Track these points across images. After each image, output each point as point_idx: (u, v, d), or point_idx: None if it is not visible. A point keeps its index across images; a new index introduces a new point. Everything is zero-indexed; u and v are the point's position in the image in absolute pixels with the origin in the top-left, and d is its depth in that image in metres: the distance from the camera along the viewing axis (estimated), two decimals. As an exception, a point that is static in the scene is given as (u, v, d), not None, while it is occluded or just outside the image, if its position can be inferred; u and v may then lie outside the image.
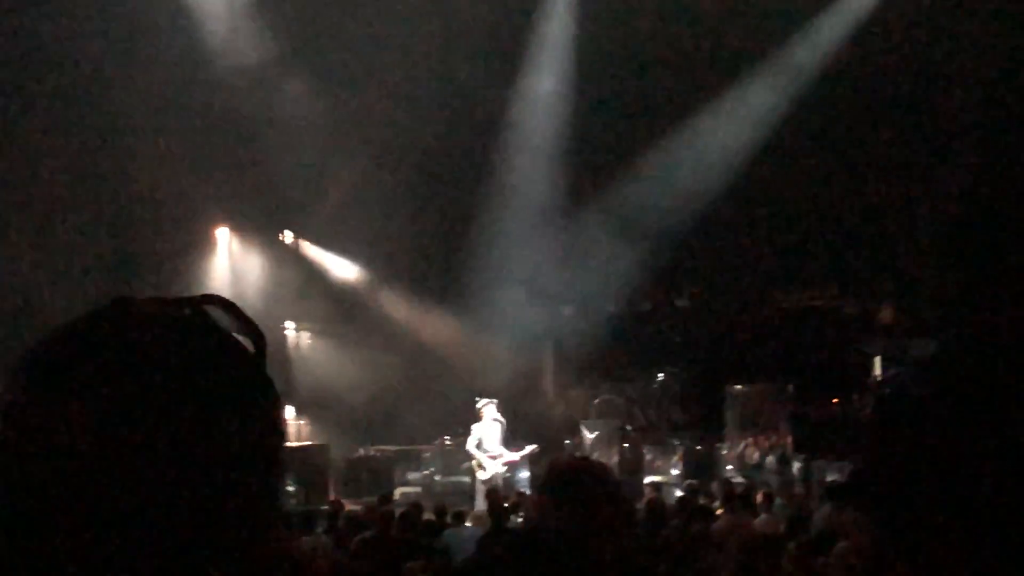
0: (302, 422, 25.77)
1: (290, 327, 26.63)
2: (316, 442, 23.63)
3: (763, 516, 12.86)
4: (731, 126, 25.50)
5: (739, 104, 25.50)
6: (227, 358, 1.26)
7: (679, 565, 9.65)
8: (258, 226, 25.48)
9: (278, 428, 1.30)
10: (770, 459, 22.48)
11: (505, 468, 18.76)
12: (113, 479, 1.16)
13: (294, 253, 26.92)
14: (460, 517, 13.50)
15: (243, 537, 1.22)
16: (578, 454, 23.43)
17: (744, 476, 20.59)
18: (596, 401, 26.29)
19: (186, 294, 1.32)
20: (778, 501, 13.80)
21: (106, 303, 1.27)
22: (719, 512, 13.11)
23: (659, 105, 25.48)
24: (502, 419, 18.89)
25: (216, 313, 1.31)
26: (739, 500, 13.30)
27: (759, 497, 13.78)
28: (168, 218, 23.46)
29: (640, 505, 13.63)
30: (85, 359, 1.20)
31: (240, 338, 1.30)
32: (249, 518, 1.23)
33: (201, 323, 1.28)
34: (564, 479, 2.67)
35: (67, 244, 21.64)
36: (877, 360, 26.04)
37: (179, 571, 1.18)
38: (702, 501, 14.70)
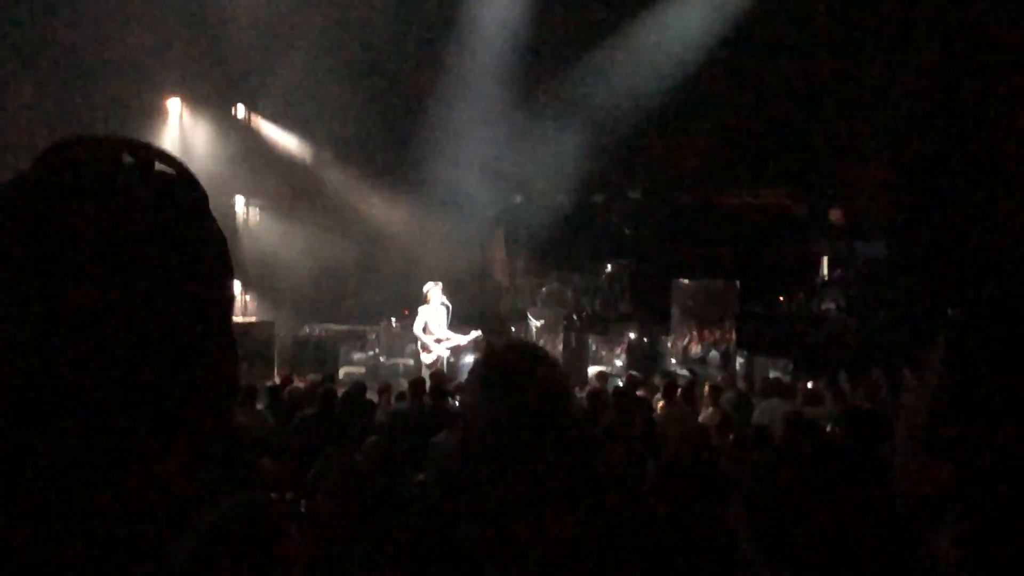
0: (249, 298, 25.61)
1: (239, 202, 26.28)
2: (262, 319, 23.54)
3: (710, 410, 12.87)
4: (688, 19, 25.16)
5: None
6: (176, 209, 1.20)
7: (615, 455, 9.60)
8: (210, 98, 24.97)
9: (228, 285, 1.25)
10: (713, 353, 22.61)
11: (449, 352, 18.71)
12: (59, 333, 1.11)
13: (246, 127, 26.48)
14: (418, 389, 13.28)
15: (204, 396, 1.19)
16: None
17: (687, 369, 20.67)
18: (544, 290, 26.29)
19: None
20: (728, 394, 13.80)
21: (46, 148, 1.23)
22: (660, 405, 13.11)
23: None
24: (448, 303, 18.77)
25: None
26: (681, 393, 13.30)
27: (706, 390, 13.78)
28: (118, 86, 22.91)
29: (583, 394, 13.61)
30: (27, 209, 1.15)
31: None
32: (208, 377, 1.19)
33: (150, 171, 1.23)
34: (500, 363, 2.52)
35: (12, 111, 21.11)
36: (824, 260, 26.17)
37: (138, 433, 1.14)
38: (642, 393, 14.71)
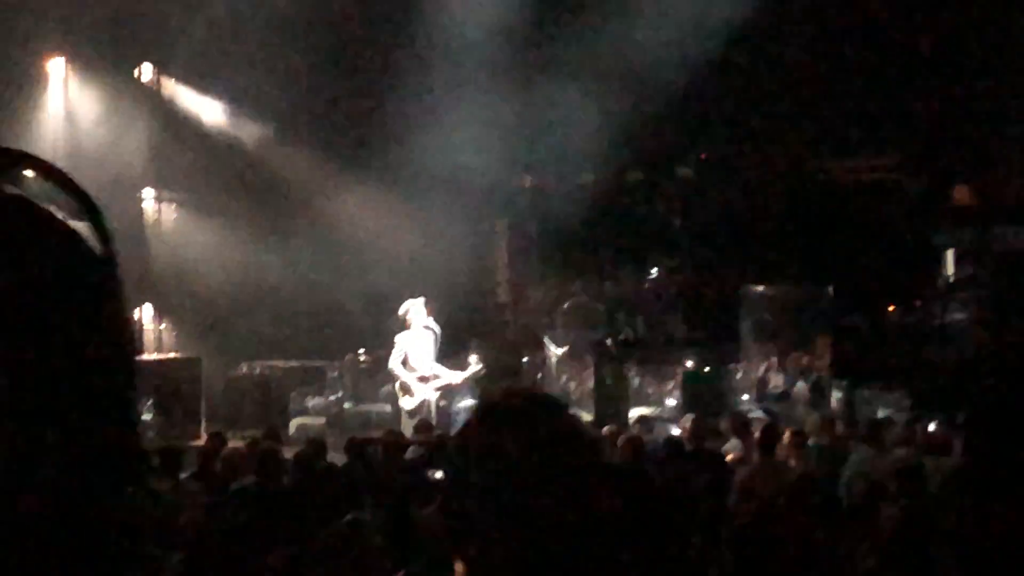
0: (164, 327, 25.57)
1: (148, 196, 26.24)
2: (183, 354, 23.50)
3: (792, 463, 12.71)
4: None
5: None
6: (50, 244, 1.21)
7: (672, 529, 9.47)
8: (106, 57, 24.96)
9: (127, 335, 1.27)
10: (800, 385, 22.48)
11: (439, 393, 18.63)
12: None
13: (155, 95, 26.44)
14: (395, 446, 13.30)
15: (91, 486, 1.21)
16: (540, 376, 23.43)
17: (763, 409, 20.57)
18: (566, 305, 26.24)
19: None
20: (813, 442, 13.66)
21: None
22: (730, 456, 12.97)
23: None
24: (436, 327, 18.70)
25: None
26: (759, 440, 13.15)
27: (786, 437, 13.63)
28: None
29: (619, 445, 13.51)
30: None
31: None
32: (96, 461, 1.21)
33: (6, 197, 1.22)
34: (500, 418, 2.46)
35: None
36: (949, 254, 25.98)
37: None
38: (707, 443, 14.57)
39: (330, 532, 8.17)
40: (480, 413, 2.54)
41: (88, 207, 1.24)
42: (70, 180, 1.24)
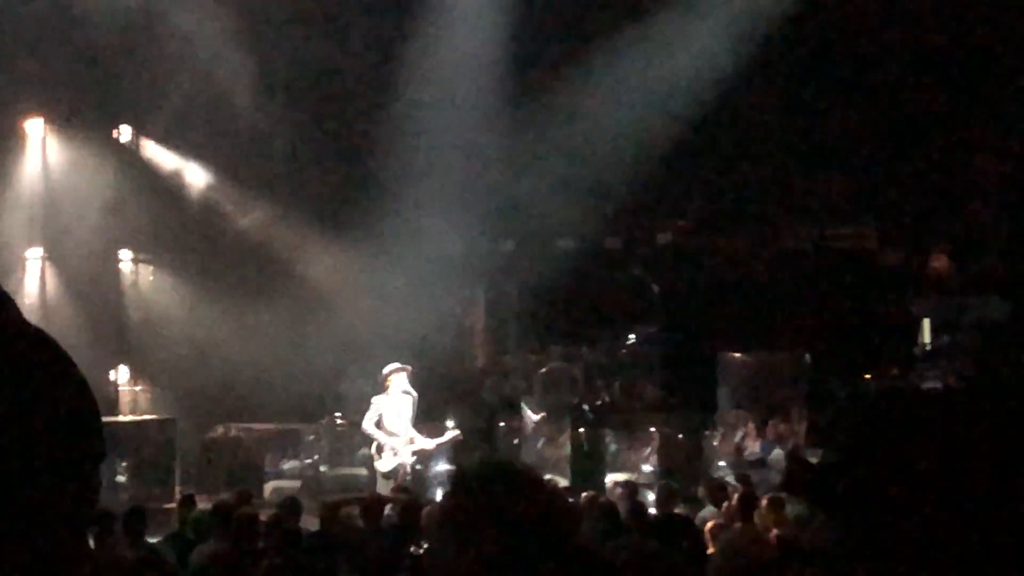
0: (139, 388, 25.46)
1: (126, 258, 26.13)
2: (158, 415, 23.35)
3: (776, 531, 12.55)
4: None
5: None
6: None
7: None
8: (85, 117, 24.91)
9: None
10: (777, 452, 22.38)
11: (415, 457, 18.48)
12: None
13: (134, 156, 26.35)
14: (374, 510, 13.13)
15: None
16: (517, 441, 23.29)
17: (738, 475, 20.43)
18: (543, 370, 26.14)
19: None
20: (791, 507, 13.46)
21: None
22: (710, 525, 12.81)
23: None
24: (414, 392, 18.59)
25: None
26: (736, 507, 12.99)
27: (763, 503, 13.46)
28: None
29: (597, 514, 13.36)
30: None
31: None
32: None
33: None
34: (474, 493, 2.40)
35: None
36: (926, 323, 25.94)
37: None
38: (681, 509, 14.45)
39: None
40: (455, 485, 2.50)
41: None
42: None
